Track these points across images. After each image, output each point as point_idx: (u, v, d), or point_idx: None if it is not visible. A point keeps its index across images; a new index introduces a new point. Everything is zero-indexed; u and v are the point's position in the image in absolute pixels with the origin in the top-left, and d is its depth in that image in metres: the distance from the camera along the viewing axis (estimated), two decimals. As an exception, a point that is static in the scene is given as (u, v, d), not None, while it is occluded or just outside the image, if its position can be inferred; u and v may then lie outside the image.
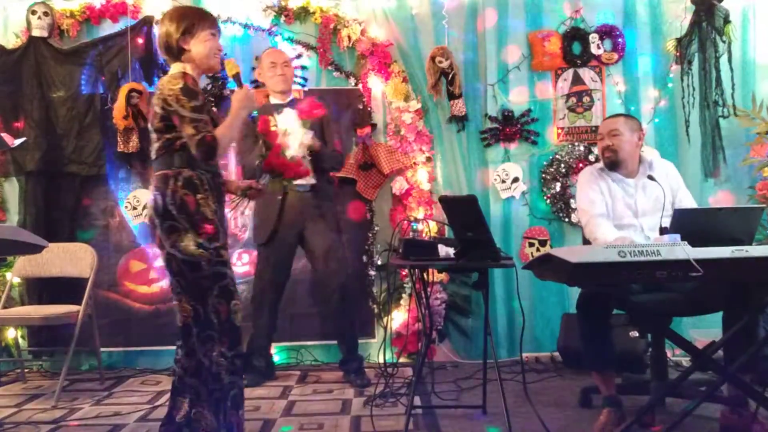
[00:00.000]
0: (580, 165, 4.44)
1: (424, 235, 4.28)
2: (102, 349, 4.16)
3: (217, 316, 2.53)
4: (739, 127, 4.38)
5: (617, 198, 3.20)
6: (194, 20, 2.61)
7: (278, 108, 3.78)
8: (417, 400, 3.40)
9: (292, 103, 3.86)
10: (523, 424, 3.01)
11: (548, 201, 4.48)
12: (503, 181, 4.52)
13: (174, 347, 4.46)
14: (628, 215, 3.17)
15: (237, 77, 2.74)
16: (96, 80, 4.46)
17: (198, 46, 2.60)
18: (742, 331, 2.68)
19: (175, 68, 2.60)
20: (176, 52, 2.61)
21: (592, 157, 4.44)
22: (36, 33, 4.39)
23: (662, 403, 3.17)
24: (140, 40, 4.43)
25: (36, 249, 3.22)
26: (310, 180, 3.79)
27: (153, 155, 2.60)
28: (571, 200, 4.39)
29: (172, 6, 2.71)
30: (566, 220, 4.44)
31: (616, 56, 4.52)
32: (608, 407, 2.89)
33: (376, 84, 4.53)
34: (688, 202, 3.23)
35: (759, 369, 2.78)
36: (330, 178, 4.01)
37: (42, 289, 4.32)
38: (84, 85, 4.45)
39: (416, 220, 4.34)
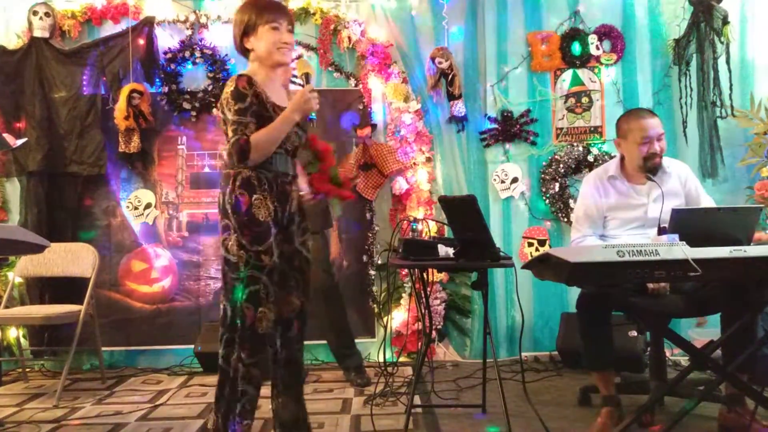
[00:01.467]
0: (579, 165, 4.45)
1: (423, 235, 4.27)
2: (103, 349, 4.16)
3: (242, 320, 2.45)
4: (737, 127, 4.37)
5: (624, 209, 3.08)
6: (252, 16, 2.52)
7: None
8: (417, 400, 3.39)
9: None
10: (523, 423, 3.01)
11: (547, 201, 4.48)
12: (502, 182, 4.52)
13: (175, 347, 4.53)
14: (636, 226, 3.06)
15: (306, 77, 2.60)
16: (97, 81, 4.46)
17: (258, 43, 2.53)
18: (740, 331, 2.67)
19: (249, 66, 2.60)
20: (242, 52, 2.61)
21: (590, 158, 4.44)
22: (37, 33, 4.39)
23: (661, 402, 3.17)
24: (141, 41, 4.43)
25: (38, 249, 3.21)
26: None
27: (225, 155, 2.58)
28: (570, 200, 4.39)
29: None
30: (565, 220, 4.43)
31: (615, 57, 4.52)
32: (607, 406, 2.89)
33: (376, 85, 4.53)
34: (708, 203, 3.12)
35: (757, 368, 2.78)
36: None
37: (44, 289, 4.33)
38: (85, 85, 4.45)
39: (416, 220, 4.33)
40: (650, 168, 3.04)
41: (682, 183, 3.10)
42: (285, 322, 2.64)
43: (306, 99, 2.51)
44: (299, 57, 2.67)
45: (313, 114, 2.54)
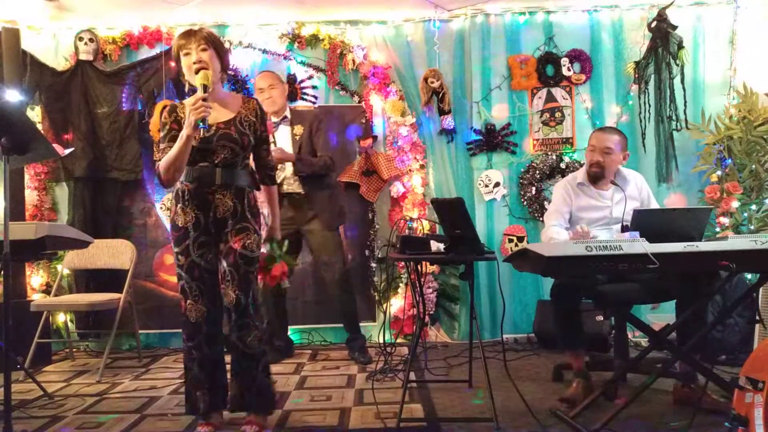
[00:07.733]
0: (553, 172, 4.45)
1: (418, 232, 4.28)
2: (140, 331, 4.17)
3: (180, 309, 2.53)
4: (689, 138, 4.37)
5: (591, 210, 3.10)
6: (175, 49, 2.48)
7: (276, 125, 3.80)
8: (412, 375, 3.39)
9: (285, 120, 3.82)
10: (504, 396, 3.00)
11: (525, 203, 4.47)
12: (486, 186, 4.51)
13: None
14: (602, 224, 3.07)
15: (204, 88, 2.35)
16: (135, 98, 4.45)
17: (183, 70, 2.48)
18: (692, 316, 2.67)
19: None
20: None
21: (563, 165, 4.43)
22: (83, 57, 4.38)
23: (624, 378, 3.16)
24: (173, 63, 4.38)
25: (83, 244, 3.23)
26: (299, 188, 3.75)
27: None
28: (545, 202, 4.38)
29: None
30: (541, 219, 4.42)
31: (584, 77, 4.51)
32: (578, 378, 2.89)
33: (376, 101, 4.52)
34: (655, 207, 3.14)
35: (707, 348, 2.78)
36: (327, 183, 3.89)
37: (88, 279, 4.32)
38: (124, 102, 4.44)
39: (411, 220, 4.34)
40: (591, 175, 3.10)
41: (639, 189, 3.14)
42: (227, 312, 2.52)
43: (192, 110, 2.28)
44: (203, 69, 2.40)
45: (201, 123, 2.28)
